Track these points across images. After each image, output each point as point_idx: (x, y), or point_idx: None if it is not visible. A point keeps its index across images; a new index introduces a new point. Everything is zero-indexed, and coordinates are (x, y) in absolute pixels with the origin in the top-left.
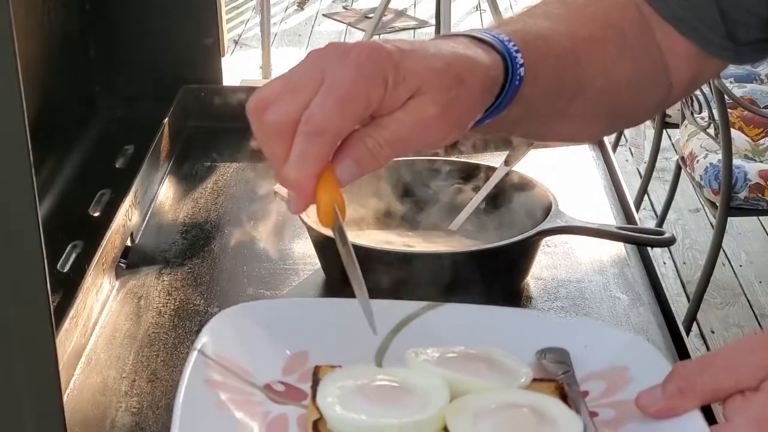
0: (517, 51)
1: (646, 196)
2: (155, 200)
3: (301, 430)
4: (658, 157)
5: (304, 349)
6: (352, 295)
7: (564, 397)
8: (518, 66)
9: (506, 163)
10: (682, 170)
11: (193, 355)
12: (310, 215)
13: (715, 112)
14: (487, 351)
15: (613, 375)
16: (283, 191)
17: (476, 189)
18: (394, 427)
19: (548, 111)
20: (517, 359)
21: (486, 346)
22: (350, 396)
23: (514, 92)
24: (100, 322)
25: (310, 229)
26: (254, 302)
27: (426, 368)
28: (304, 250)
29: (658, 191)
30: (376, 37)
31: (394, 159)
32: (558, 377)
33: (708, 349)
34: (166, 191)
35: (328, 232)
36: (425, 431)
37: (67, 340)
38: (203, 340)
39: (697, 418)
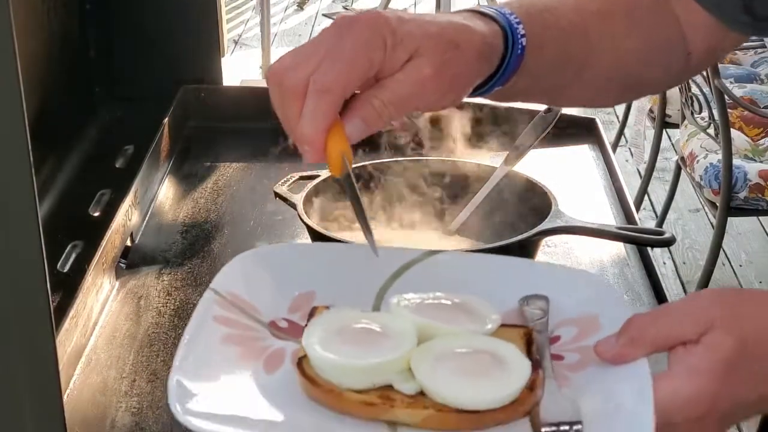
0: (518, 23)
1: (646, 196)
2: (155, 200)
3: (293, 363)
4: (658, 157)
5: (311, 290)
6: None
7: (530, 343)
8: (519, 36)
9: (506, 163)
10: (682, 170)
11: (207, 294)
12: (311, 215)
13: (715, 112)
14: (463, 299)
15: (585, 322)
16: (283, 190)
17: (476, 189)
18: (362, 366)
19: (557, 81)
20: (489, 307)
21: (473, 292)
22: (331, 337)
23: (517, 62)
24: (100, 322)
25: (309, 229)
26: (271, 245)
27: (402, 314)
28: None
29: (658, 191)
30: None
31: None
32: (533, 323)
33: None
34: (166, 191)
35: (327, 231)
36: (390, 371)
37: (67, 340)
38: (218, 279)
39: (643, 365)
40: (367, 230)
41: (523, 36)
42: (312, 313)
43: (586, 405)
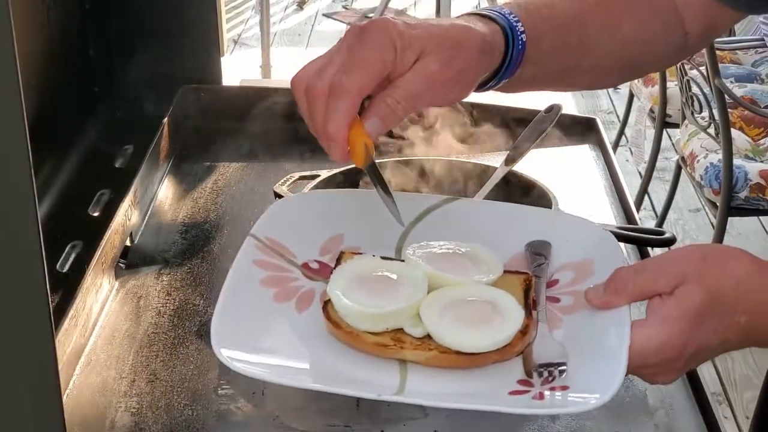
0: (517, 21)
1: (646, 196)
2: (155, 200)
3: (321, 304)
4: (659, 157)
5: (340, 233)
6: None
7: (529, 288)
8: (519, 33)
9: (506, 163)
10: (683, 170)
11: (247, 240)
12: None
13: (715, 112)
14: (472, 248)
15: (581, 267)
16: (283, 190)
17: (476, 189)
18: (378, 313)
19: (559, 68)
20: (494, 256)
21: (485, 236)
22: (352, 285)
23: (519, 55)
24: (99, 322)
25: None
26: (303, 193)
27: (416, 263)
28: None
29: (658, 191)
30: None
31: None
32: (534, 268)
33: None
34: (165, 191)
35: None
36: (401, 317)
37: (66, 340)
38: (257, 225)
39: (624, 311)
40: (394, 206)
41: (522, 32)
42: (339, 258)
43: (573, 344)
